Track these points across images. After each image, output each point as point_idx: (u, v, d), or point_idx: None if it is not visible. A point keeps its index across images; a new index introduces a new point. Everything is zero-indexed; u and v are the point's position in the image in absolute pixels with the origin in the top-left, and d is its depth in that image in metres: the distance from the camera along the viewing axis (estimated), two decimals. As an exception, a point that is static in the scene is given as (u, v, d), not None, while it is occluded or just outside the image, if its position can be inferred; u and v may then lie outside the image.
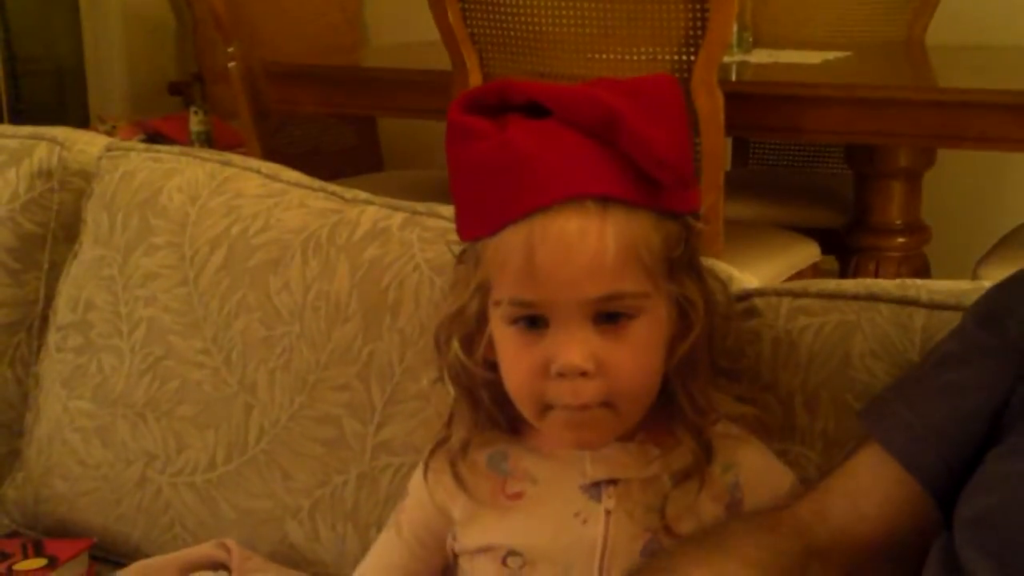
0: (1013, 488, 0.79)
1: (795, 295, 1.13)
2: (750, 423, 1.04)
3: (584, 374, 0.92)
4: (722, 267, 1.19)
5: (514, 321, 0.95)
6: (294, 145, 2.90)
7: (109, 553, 1.42)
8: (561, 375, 0.93)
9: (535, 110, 0.96)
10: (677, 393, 0.99)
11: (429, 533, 1.07)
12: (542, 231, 0.91)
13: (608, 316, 0.93)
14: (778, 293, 1.14)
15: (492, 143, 0.94)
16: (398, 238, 1.30)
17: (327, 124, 3.12)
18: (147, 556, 1.37)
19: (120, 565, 1.37)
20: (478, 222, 0.96)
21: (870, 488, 0.92)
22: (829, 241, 2.53)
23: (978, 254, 2.28)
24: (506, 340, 0.97)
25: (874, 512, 0.91)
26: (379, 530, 1.21)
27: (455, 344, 1.01)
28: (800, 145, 3.07)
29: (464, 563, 1.06)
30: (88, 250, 1.51)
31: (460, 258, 1.03)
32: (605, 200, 0.92)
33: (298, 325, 1.31)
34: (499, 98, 0.97)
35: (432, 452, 1.07)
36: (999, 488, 0.80)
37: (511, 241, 0.92)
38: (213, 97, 3.75)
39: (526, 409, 0.98)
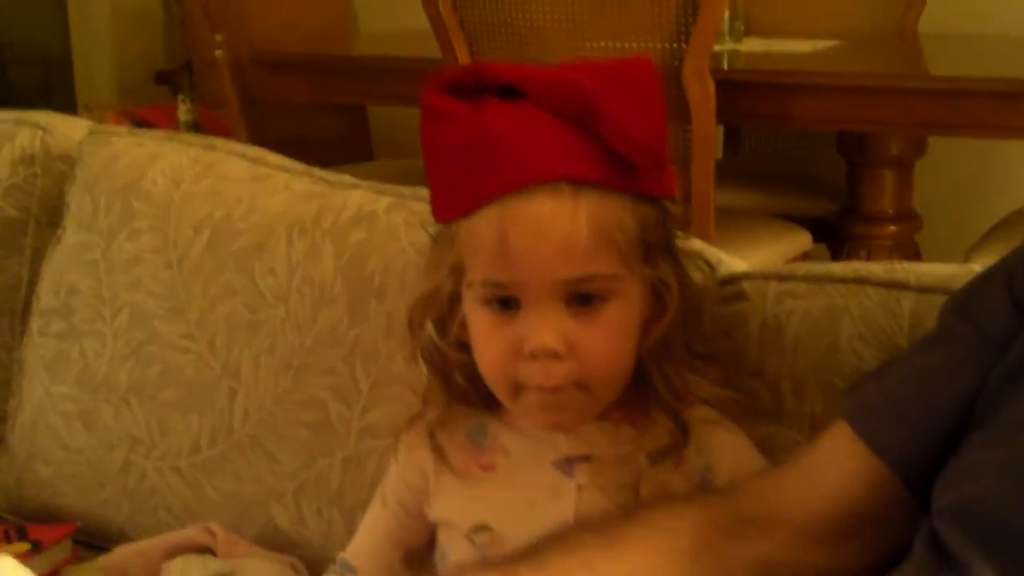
0: (994, 476, 0.79)
1: (783, 279, 1.12)
2: (728, 407, 1.04)
3: (556, 355, 0.93)
4: (711, 251, 1.18)
5: (487, 302, 0.96)
6: (282, 134, 2.87)
7: (93, 538, 1.42)
8: (533, 356, 0.93)
9: (510, 93, 0.95)
10: (652, 375, 0.99)
11: (412, 499, 1.08)
12: (515, 213, 0.91)
13: (581, 298, 0.93)
14: (766, 276, 1.13)
15: (467, 125, 0.94)
16: (384, 222, 1.29)
17: (316, 113, 3.11)
18: (131, 540, 1.36)
19: (104, 550, 1.36)
20: (452, 204, 0.96)
21: (831, 463, 0.92)
22: (821, 230, 2.52)
23: (969, 243, 2.27)
24: (479, 321, 0.97)
25: (833, 487, 0.91)
26: (364, 513, 1.21)
27: (428, 325, 1.01)
28: (792, 134, 3.07)
29: (440, 535, 1.07)
30: (71, 235, 1.50)
31: (435, 240, 1.04)
32: (579, 183, 0.92)
33: (283, 309, 1.31)
34: (474, 80, 0.97)
35: (406, 429, 1.08)
36: (979, 477, 0.80)
37: (484, 223, 0.93)
38: (201, 86, 3.73)
39: (499, 390, 0.98)
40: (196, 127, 3.51)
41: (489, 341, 0.96)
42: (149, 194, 1.44)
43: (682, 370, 1.00)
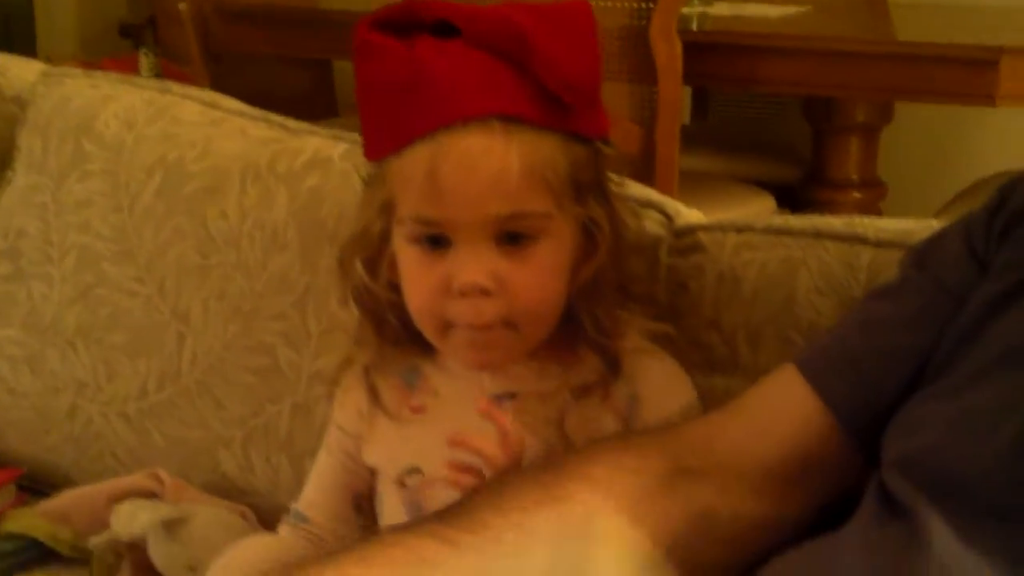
0: (945, 428, 0.78)
1: (740, 230, 1.11)
2: (666, 345, 1.03)
3: (485, 293, 0.93)
4: (670, 203, 1.18)
5: (416, 240, 0.95)
6: (246, 90, 2.81)
7: (38, 483, 1.39)
8: (462, 294, 0.93)
9: (445, 30, 0.95)
10: (581, 314, 0.99)
11: (353, 444, 1.08)
12: (446, 148, 0.91)
13: (511, 237, 0.93)
14: (723, 228, 1.12)
15: (399, 61, 0.93)
16: (339, 168, 1.27)
17: (281, 68, 3.07)
18: (77, 486, 1.34)
19: (49, 495, 1.34)
20: (384, 141, 0.96)
21: (778, 408, 0.91)
22: (786, 196, 2.52)
23: (934, 210, 2.27)
24: (408, 259, 0.97)
25: (779, 433, 0.90)
26: (313, 460, 1.20)
27: (358, 265, 1.01)
28: (759, 99, 3.06)
29: (377, 483, 1.07)
30: (21, 177, 1.48)
31: (368, 181, 1.03)
32: (511, 120, 0.92)
33: (234, 254, 1.29)
34: (408, 16, 0.96)
35: (339, 370, 1.08)
36: (930, 428, 0.79)
37: (415, 158, 0.92)
38: (165, 40, 3.67)
39: (428, 329, 0.98)
40: (159, 81, 3.47)
41: (418, 279, 0.96)
42: (101, 136, 1.41)
43: (612, 309, 1.00)
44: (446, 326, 0.96)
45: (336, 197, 1.25)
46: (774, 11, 2.49)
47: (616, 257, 1.00)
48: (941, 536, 0.73)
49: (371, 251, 1.00)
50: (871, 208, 2.37)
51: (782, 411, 0.90)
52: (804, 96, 2.48)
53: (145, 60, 3.54)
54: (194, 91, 1.46)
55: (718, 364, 1.07)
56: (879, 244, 1.04)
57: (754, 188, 2.45)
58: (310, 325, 1.23)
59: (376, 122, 0.97)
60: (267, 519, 1.24)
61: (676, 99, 2.08)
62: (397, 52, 0.93)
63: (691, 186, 2.16)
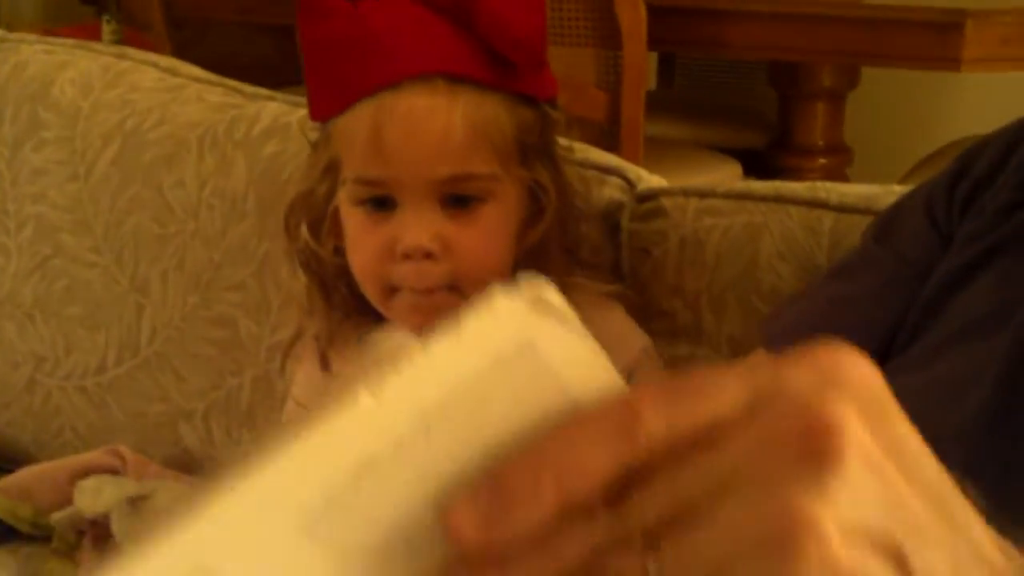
0: (910, 399, 0.77)
1: (702, 195, 1.10)
2: (629, 312, 1.02)
3: (429, 256, 0.91)
4: (631, 168, 1.16)
5: (360, 202, 0.94)
6: (210, 58, 2.79)
7: (-3, 459, 1.38)
8: (407, 256, 0.92)
9: None
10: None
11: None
12: (390, 108, 0.90)
13: (457, 199, 0.92)
14: (685, 193, 1.11)
15: (343, 19, 0.92)
16: (298, 134, 1.25)
17: (244, 35, 3.04)
18: (36, 462, 1.33)
19: (8, 472, 1.32)
20: (328, 101, 0.95)
21: None
22: (752, 162, 2.51)
23: (900, 175, 2.27)
24: (352, 221, 0.95)
25: None
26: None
27: (303, 229, 0.99)
28: (725, 65, 3.05)
29: None
30: (-25, 146, 1.45)
31: (314, 144, 1.01)
32: (456, 79, 0.91)
33: (192, 223, 1.27)
34: None
35: (291, 342, 1.07)
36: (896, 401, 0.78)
37: (359, 118, 0.91)
38: (128, 7, 3.63)
39: (371, 292, 0.97)
40: (121, 49, 3.43)
41: (362, 241, 0.95)
42: (57, 103, 1.39)
43: (559, 274, 0.97)
44: (390, 290, 0.94)
45: (295, 164, 1.23)
46: (740, -26, 2.47)
47: (563, 222, 0.99)
48: None
49: (316, 214, 0.99)
50: (838, 174, 2.36)
51: None
52: (769, 61, 2.47)
53: (107, 27, 3.49)
54: (152, 57, 1.45)
55: (681, 331, 1.07)
56: (841, 209, 1.04)
57: (720, 155, 2.44)
58: (270, 295, 1.22)
59: (320, 81, 0.96)
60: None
61: (641, 64, 2.06)
62: (341, 10, 0.92)
63: (657, 152, 2.15)
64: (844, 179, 2.38)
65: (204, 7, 2.68)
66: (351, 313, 1.02)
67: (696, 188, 1.11)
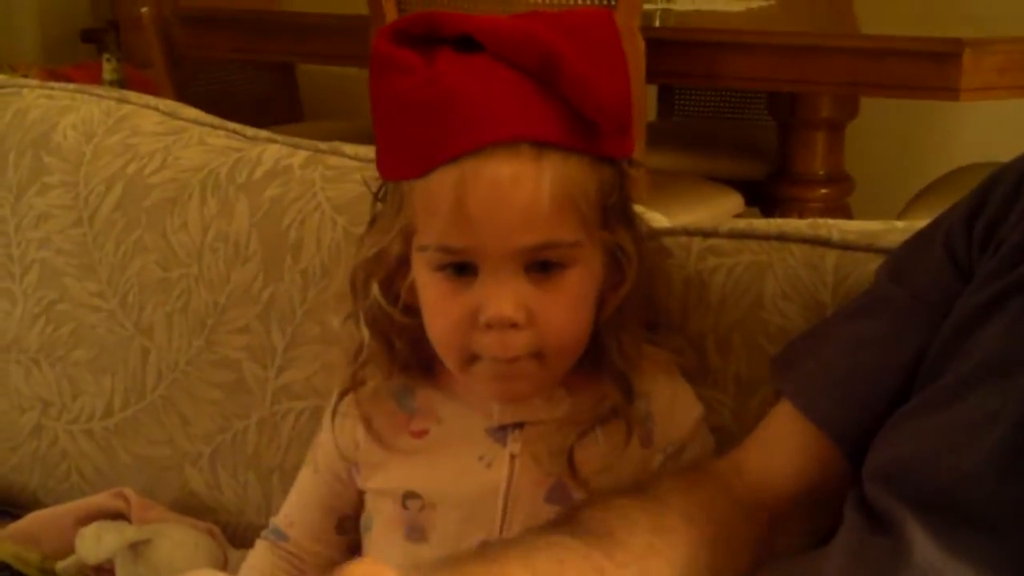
0: (927, 440, 0.77)
1: (705, 235, 1.10)
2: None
3: (514, 325, 0.88)
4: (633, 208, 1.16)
5: (440, 268, 0.90)
6: (209, 95, 2.82)
7: (4, 504, 1.38)
8: (490, 326, 0.88)
9: (466, 44, 0.90)
10: (608, 345, 0.95)
11: (343, 467, 1.04)
12: (474, 175, 0.86)
13: (540, 265, 0.89)
14: (688, 232, 1.11)
15: (419, 78, 0.88)
16: (299, 177, 1.26)
17: (244, 73, 3.05)
18: (44, 506, 1.33)
19: (16, 516, 1.32)
20: (402, 162, 0.91)
21: (781, 440, 0.90)
22: (753, 192, 2.52)
23: (901, 205, 2.27)
24: (431, 287, 0.92)
25: (786, 464, 0.89)
26: (281, 476, 1.20)
27: (374, 288, 0.96)
28: (724, 95, 3.06)
29: (368, 502, 1.03)
30: (-21, 190, 1.45)
31: (378, 196, 0.99)
32: (541, 144, 0.87)
33: (196, 266, 1.27)
34: (428, 29, 0.91)
35: (341, 396, 1.02)
36: (911, 442, 0.78)
37: (440, 185, 0.87)
38: (128, 45, 3.66)
39: (451, 359, 0.93)
40: (121, 86, 3.44)
41: (442, 309, 0.91)
42: (60, 148, 1.40)
43: (638, 340, 0.97)
44: (471, 358, 0.91)
45: (297, 207, 1.24)
46: (737, 5, 2.49)
47: (641, 285, 0.96)
48: (923, 547, 0.73)
49: (387, 273, 0.95)
50: (839, 203, 2.37)
51: (785, 445, 0.90)
52: (769, 92, 2.48)
53: (108, 66, 3.51)
54: (153, 100, 1.45)
55: (687, 372, 1.06)
56: (844, 246, 1.04)
57: (722, 186, 2.45)
58: (274, 338, 1.22)
59: (394, 141, 0.92)
60: (235, 536, 1.23)
61: (640, 97, 2.07)
62: (416, 67, 0.88)
63: (658, 185, 2.15)
64: (846, 209, 2.39)
65: (204, 45, 2.69)
66: (407, 368, 0.99)
67: (699, 228, 1.11)
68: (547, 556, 0.79)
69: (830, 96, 2.30)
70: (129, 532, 1.19)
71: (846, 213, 2.39)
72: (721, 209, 2.36)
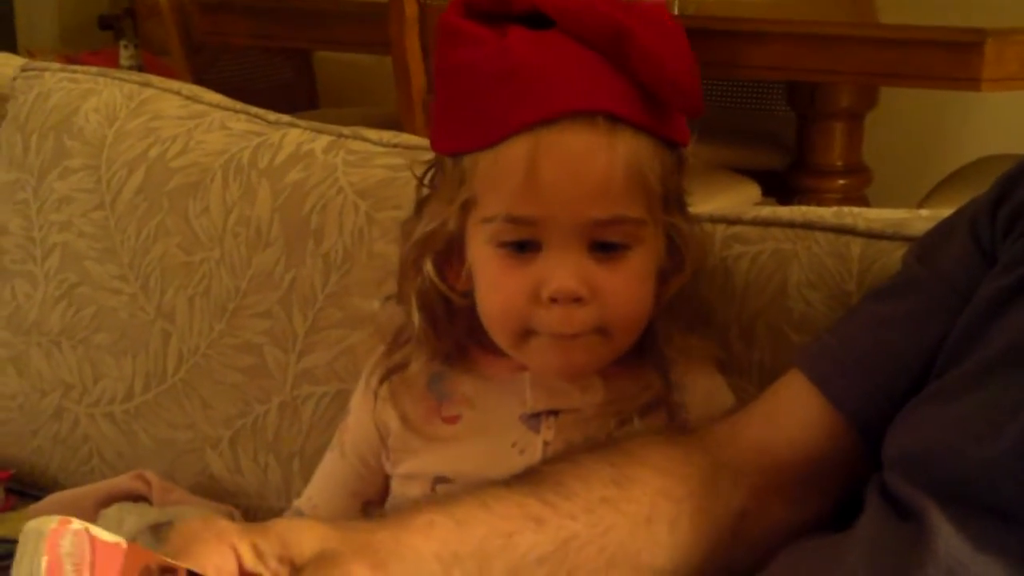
0: (948, 429, 0.77)
1: (730, 222, 1.10)
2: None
3: (578, 300, 0.88)
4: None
5: (502, 244, 0.90)
6: (227, 81, 2.82)
7: (26, 485, 1.38)
8: (553, 300, 0.88)
9: (536, 21, 0.90)
10: (659, 333, 0.95)
11: (371, 453, 1.03)
12: (547, 145, 0.86)
13: (604, 246, 0.89)
14: (712, 220, 1.10)
15: (491, 49, 0.88)
16: (321, 161, 1.25)
17: (261, 60, 3.05)
18: (64, 488, 1.33)
19: (37, 498, 1.32)
20: (468, 133, 0.90)
21: (789, 410, 0.90)
22: (771, 183, 2.51)
23: (919, 196, 2.26)
24: (489, 262, 0.91)
25: (791, 434, 0.89)
26: (302, 461, 1.19)
27: (428, 267, 0.95)
28: (743, 85, 3.05)
29: (396, 486, 1.02)
30: (2, 173, 1.46)
31: (423, 180, 0.98)
32: (615, 118, 0.87)
33: (218, 250, 1.27)
34: (498, 5, 0.91)
35: (383, 379, 1.01)
36: (933, 429, 0.78)
37: (512, 154, 0.86)
38: (145, 32, 3.66)
39: (504, 335, 0.93)
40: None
41: (501, 283, 0.90)
42: (82, 131, 1.40)
43: (686, 328, 0.97)
44: (526, 333, 0.91)
45: (319, 191, 1.23)
46: (758, -5, 2.48)
47: (696, 273, 0.96)
48: (946, 537, 0.72)
49: (442, 250, 0.95)
50: (857, 194, 2.37)
51: (793, 415, 0.89)
52: (788, 82, 2.47)
53: (125, 52, 3.51)
54: (175, 84, 1.45)
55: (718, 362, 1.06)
56: (869, 235, 1.04)
57: (739, 176, 2.44)
58: (296, 323, 1.21)
59: (457, 113, 0.91)
60: (255, 520, 1.22)
61: (660, 86, 2.06)
62: (487, 40, 0.88)
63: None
64: (863, 200, 2.38)
65: (222, 32, 2.69)
66: (447, 354, 0.99)
67: (723, 215, 1.11)
68: (471, 501, 0.79)
69: (850, 86, 2.29)
70: (151, 513, 1.19)
71: (863, 204, 2.38)
72: (738, 199, 2.36)
